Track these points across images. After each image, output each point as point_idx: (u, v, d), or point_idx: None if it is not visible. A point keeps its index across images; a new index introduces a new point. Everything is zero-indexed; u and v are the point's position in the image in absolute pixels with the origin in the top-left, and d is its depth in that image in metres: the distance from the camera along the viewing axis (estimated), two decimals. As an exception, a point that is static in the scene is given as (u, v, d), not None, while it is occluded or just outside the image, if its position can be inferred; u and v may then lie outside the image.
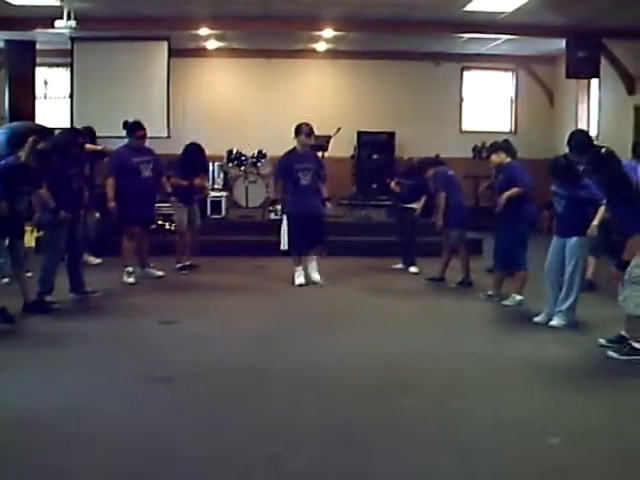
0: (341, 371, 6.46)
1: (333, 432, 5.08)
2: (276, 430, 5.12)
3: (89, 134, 11.28)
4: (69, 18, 11.39)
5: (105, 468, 4.45)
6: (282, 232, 10.59)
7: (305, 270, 10.23)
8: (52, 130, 10.29)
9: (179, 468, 4.47)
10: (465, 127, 18.03)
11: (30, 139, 8.00)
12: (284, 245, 10.53)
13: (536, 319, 8.09)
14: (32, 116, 15.03)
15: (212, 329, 7.83)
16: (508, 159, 9.01)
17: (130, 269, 10.10)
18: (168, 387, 6.00)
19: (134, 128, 10.25)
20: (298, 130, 10.16)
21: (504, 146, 9.19)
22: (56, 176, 8.58)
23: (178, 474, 4.42)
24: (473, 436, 5.03)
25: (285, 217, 10.56)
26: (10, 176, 7.88)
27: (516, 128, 17.93)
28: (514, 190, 8.73)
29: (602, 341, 7.15)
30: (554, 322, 7.88)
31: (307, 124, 10.19)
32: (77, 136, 9.23)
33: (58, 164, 8.51)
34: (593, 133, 14.51)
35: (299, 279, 10.16)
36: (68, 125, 14.21)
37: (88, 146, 10.43)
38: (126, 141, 10.42)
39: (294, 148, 10.23)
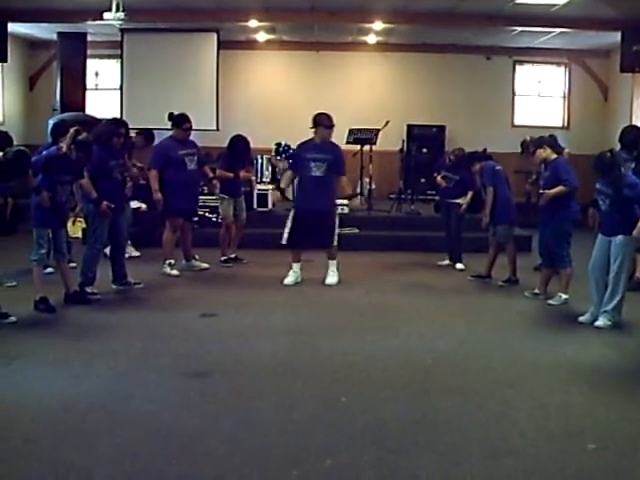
0: (378, 369, 6.38)
1: (366, 432, 5.00)
2: (308, 429, 5.05)
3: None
4: (117, 10, 11.48)
5: (127, 467, 4.40)
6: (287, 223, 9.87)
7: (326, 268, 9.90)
8: (102, 121, 10.33)
9: (205, 469, 4.40)
10: (517, 122, 17.76)
11: (72, 130, 8.02)
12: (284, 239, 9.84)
13: (581, 319, 7.93)
14: (83, 107, 15.25)
15: (250, 323, 7.80)
16: (554, 155, 8.82)
17: (172, 261, 10.12)
18: (202, 383, 5.96)
19: (181, 120, 10.24)
20: (317, 121, 9.64)
21: (550, 141, 9.00)
22: (97, 167, 8.61)
23: (203, 476, 4.36)
24: (508, 439, 4.91)
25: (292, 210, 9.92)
26: (51, 166, 7.92)
27: (569, 123, 17.64)
28: (560, 188, 8.53)
29: (648, 343, 6.98)
30: (599, 322, 7.71)
31: (327, 115, 9.66)
32: (119, 127, 9.16)
33: (99, 155, 8.53)
34: (648, 129, 14.16)
35: (288, 278, 9.78)
36: (118, 116, 14.25)
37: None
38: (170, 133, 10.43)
39: (312, 139, 9.76)
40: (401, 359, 6.65)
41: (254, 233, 12.01)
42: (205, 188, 11.94)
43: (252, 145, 11.33)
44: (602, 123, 16.94)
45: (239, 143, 11.04)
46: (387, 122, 13.72)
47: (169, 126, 10.37)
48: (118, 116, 14.10)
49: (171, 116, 10.32)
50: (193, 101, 15.03)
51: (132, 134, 10.92)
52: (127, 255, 10.78)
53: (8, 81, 16.38)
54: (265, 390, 5.81)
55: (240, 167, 10.98)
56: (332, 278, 9.84)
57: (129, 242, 11.35)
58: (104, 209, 8.60)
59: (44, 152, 8.12)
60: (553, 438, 4.92)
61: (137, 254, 11.40)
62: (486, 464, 4.52)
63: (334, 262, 9.91)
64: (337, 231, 9.83)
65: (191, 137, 10.45)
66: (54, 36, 15.46)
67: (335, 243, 9.80)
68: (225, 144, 11.29)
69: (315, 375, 6.19)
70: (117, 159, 8.98)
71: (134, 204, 11.29)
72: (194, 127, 10.49)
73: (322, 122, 9.60)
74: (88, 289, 8.62)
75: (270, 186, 14.15)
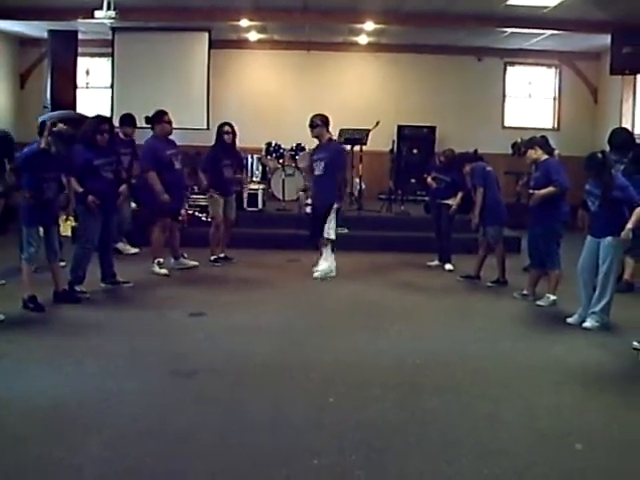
0: (367, 369, 6.38)
1: (356, 431, 5.01)
2: (297, 428, 5.06)
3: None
4: (109, 8, 11.43)
5: (117, 465, 4.40)
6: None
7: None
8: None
9: (195, 467, 4.41)
10: (507, 123, 17.78)
11: (48, 123, 8.01)
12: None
13: (569, 320, 7.96)
14: (73, 105, 15.16)
15: (239, 323, 7.79)
16: (545, 156, 8.84)
17: (161, 260, 10.11)
18: (191, 381, 5.96)
19: (160, 115, 10.16)
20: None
21: (541, 142, 9.02)
22: (82, 167, 8.58)
23: (193, 474, 4.36)
24: (498, 439, 4.93)
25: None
26: (32, 163, 7.90)
27: (559, 125, 17.66)
28: (550, 189, 8.54)
29: (636, 344, 6.99)
30: (587, 324, 7.74)
31: (314, 115, 10.16)
32: (100, 124, 8.91)
33: (82, 154, 8.50)
34: (638, 132, 14.22)
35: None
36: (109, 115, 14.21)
37: None
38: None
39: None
40: (390, 359, 6.66)
41: (244, 232, 12.01)
42: (195, 187, 11.89)
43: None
44: (592, 125, 16.98)
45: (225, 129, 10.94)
46: (377, 122, 13.70)
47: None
48: (108, 114, 14.08)
49: (148, 118, 10.21)
50: (184, 100, 15.05)
51: (117, 130, 10.86)
52: (126, 252, 10.81)
53: (-2, 78, 16.33)
54: (254, 389, 5.81)
55: (227, 164, 10.85)
56: (317, 267, 10.17)
57: (125, 240, 11.38)
58: (90, 203, 8.55)
59: (24, 150, 8.09)
60: (543, 438, 4.93)
61: (135, 251, 11.44)
62: (476, 464, 4.53)
63: (322, 258, 10.13)
64: (327, 228, 9.97)
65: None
66: (45, 34, 15.38)
67: (323, 239, 10.04)
68: (216, 143, 11.23)
69: (304, 374, 6.18)
70: (106, 157, 8.84)
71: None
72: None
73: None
74: (77, 288, 8.59)
75: (260, 185, 14.11)
